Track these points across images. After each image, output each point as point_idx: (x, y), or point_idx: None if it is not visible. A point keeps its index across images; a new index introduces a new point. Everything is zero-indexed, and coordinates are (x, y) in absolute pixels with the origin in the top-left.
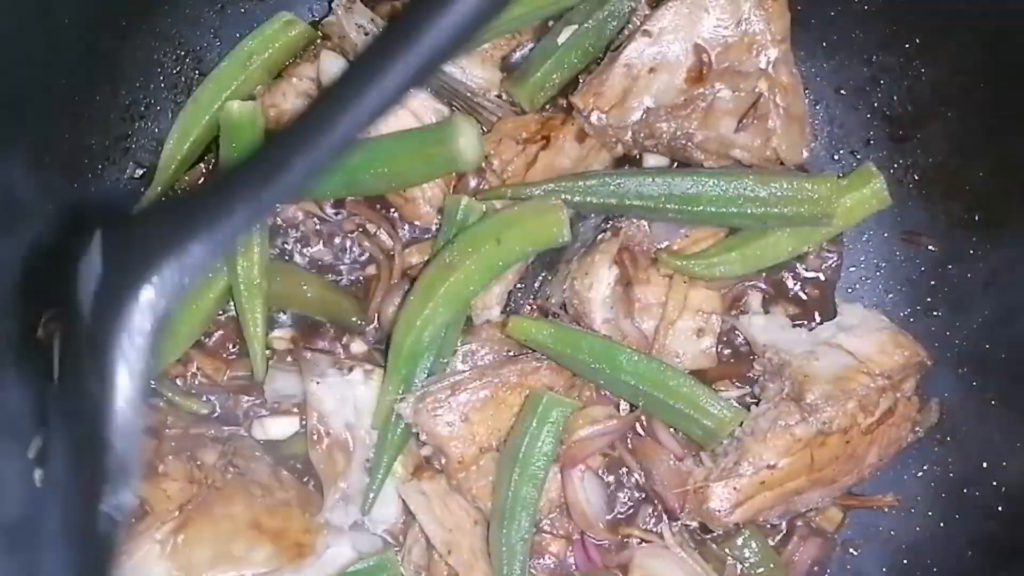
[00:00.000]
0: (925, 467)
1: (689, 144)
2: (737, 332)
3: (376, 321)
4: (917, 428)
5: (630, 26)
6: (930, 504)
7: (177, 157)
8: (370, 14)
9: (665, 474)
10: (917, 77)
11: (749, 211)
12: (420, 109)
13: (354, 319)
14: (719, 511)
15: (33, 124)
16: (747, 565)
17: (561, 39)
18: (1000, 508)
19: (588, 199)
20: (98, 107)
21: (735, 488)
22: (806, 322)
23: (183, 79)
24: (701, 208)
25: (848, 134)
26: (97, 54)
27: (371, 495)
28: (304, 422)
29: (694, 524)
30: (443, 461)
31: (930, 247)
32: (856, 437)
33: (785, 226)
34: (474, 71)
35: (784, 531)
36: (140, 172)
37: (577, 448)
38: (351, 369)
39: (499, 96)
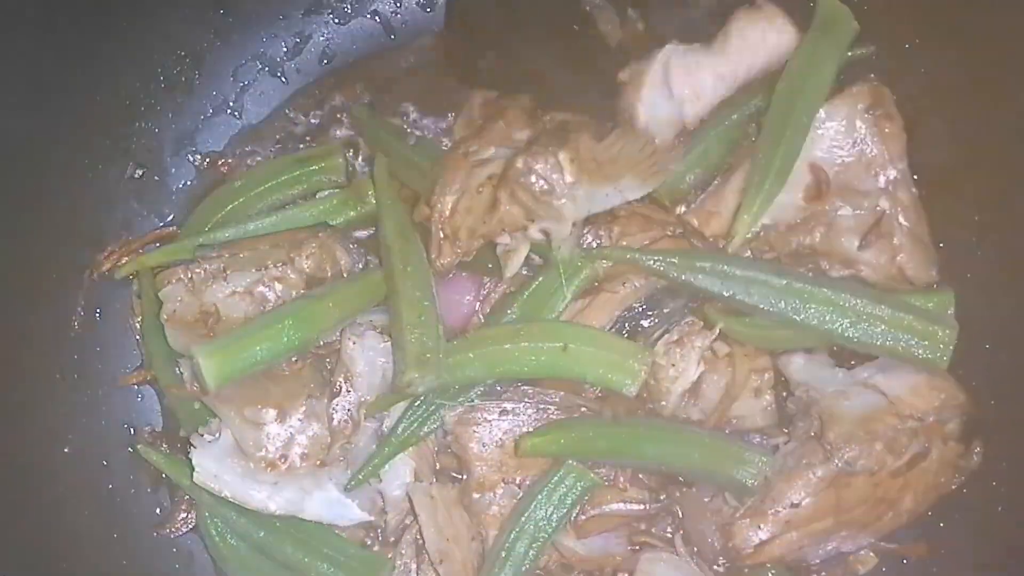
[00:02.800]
0: None
1: (814, 254)
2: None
3: None
4: (959, 475)
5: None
6: (929, 505)
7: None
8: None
9: (700, 520)
10: (917, 77)
11: (857, 328)
12: None
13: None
14: (745, 549)
15: (33, 124)
16: None
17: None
18: (1000, 508)
19: (689, 278)
20: (98, 107)
21: (760, 526)
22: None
23: (183, 79)
24: (803, 316)
25: None
26: (97, 54)
27: (359, 477)
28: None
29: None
30: (464, 477)
31: None
32: (885, 480)
33: (889, 355)
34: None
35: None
36: (140, 172)
37: (598, 522)
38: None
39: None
